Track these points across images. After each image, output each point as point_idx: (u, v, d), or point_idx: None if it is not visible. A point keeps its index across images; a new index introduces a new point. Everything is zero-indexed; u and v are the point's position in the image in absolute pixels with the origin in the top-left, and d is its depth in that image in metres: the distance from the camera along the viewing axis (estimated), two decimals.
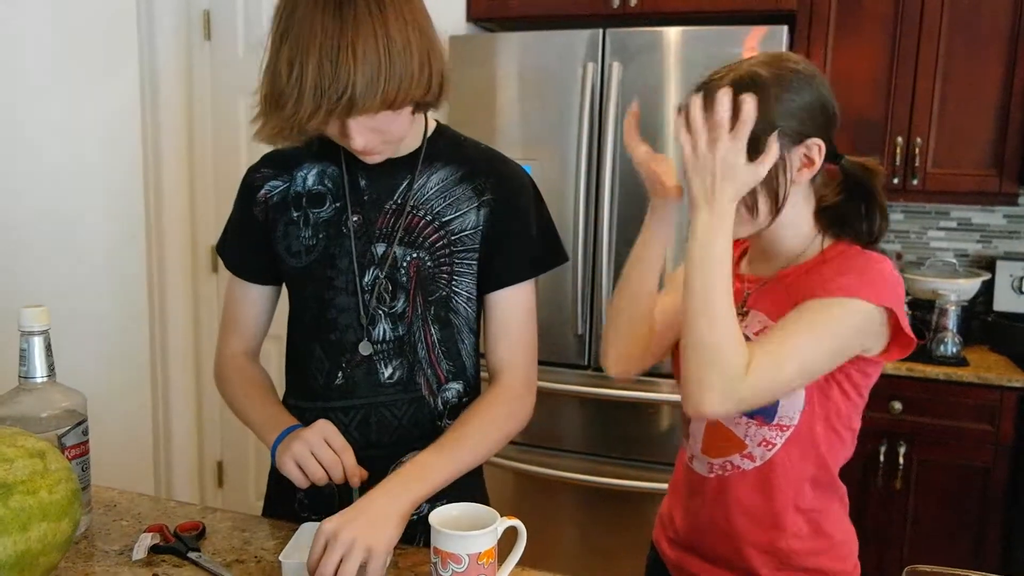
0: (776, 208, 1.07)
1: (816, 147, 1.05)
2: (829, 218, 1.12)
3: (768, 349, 1.00)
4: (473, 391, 1.24)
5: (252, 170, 1.23)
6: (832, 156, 1.08)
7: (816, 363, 1.03)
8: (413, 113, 1.06)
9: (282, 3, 1.00)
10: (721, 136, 0.98)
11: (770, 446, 1.11)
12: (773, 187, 1.05)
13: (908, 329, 1.05)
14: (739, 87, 1.01)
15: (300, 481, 1.06)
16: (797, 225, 1.11)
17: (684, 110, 1.03)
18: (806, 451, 1.11)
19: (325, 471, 1.06)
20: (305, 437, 1.06)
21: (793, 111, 1.03)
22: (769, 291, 1.13)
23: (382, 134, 1.05)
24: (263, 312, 1.27)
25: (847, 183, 1.12)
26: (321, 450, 1.05)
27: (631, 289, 1.20)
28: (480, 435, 1.13)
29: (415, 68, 0.99)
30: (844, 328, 1.02)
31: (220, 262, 1.38)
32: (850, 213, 1.11)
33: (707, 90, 1.04)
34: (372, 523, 0.97)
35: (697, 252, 1.01)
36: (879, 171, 1.12)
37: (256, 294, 1.25)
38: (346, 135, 1.03)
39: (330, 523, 0.96)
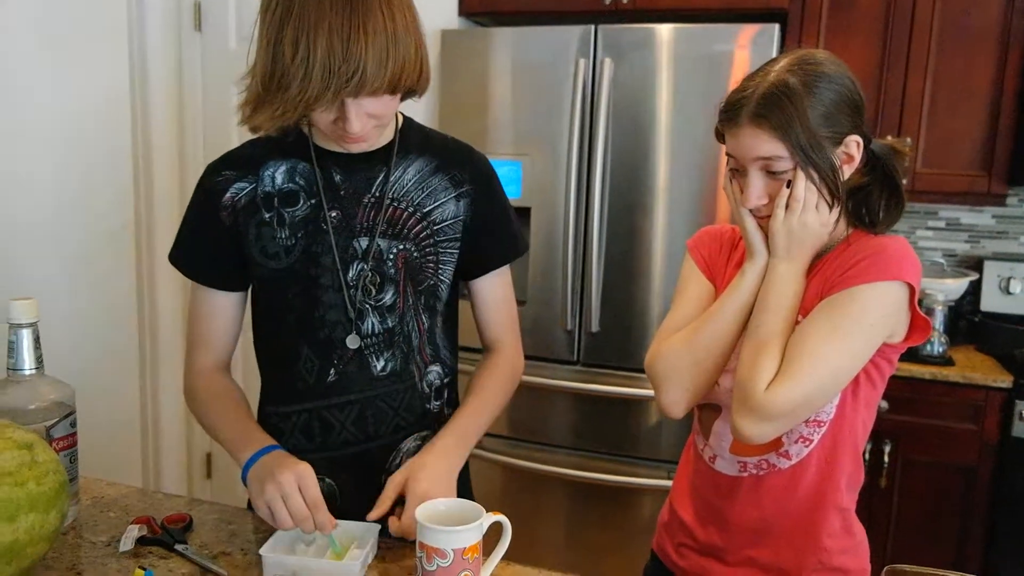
0: (840, 210, 1.09)
1: (854, 143, 1.08)
2: (852, 202, 1.14)
3: (791, 369, 1.03)
4: (450, 371, 1.27)
5: (212, 173, 1.18)
6: (864, 142, 1.10)
7: (847, 367, 1.05)
8: (402, 100, 1.08)
9: None
10: (803, 208, 1.06)
11: (807, 442, 1.11)
12: (830, 195, 1.07)
13: (919, 310, 1.06)
14: (771, 98, 1.03)
15: (272, 524, 1.02)
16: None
17: (732, 180, 1.13)
18: (842, 446, 1.12)
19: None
20: (279, 481, 1.00)
21: (828, 115, 1.04)
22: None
23: (377, 119, 1.05)
24: (233, 322, 1.22)
25: (872, 165, 1.13)
26: (293, 500, 1.00)
27: (730, 334, 1.13)
28: (496, 397, 1.24)
29: (412, 51, 1.01)
30: (869, 322, 1.04)
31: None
32: (871, 196, 1.13)
33: (741, 106, 1.06)
34: (448, 488, 1.08)
35: (772, 298, 1.08)
36: (905, 152, 1.14)
37: (225, 303, 1.20)
38: (344, 118, 1.02)
39: (420, 485, 1.04)
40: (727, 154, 1.11)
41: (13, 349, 1.08)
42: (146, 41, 2.62)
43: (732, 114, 1.07)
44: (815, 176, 1.05)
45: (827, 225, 1.08)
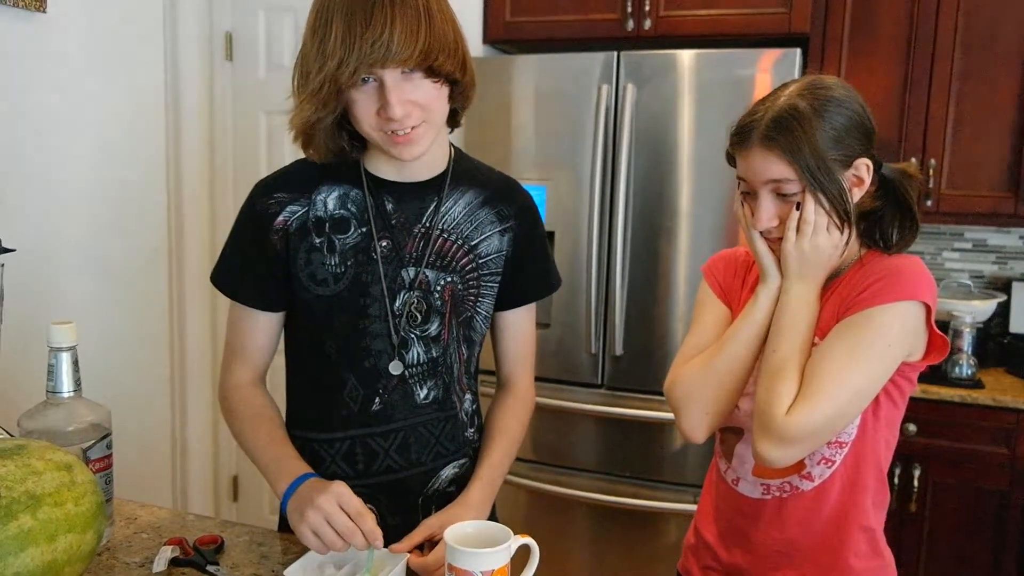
0: (849, 233, 1.09)
1: (864, 166, 1.09)
2: (864, 225, 1.14)
3: (811, 392, 1.03)
4: (476, 397, 1.29)
5: (262, 195, 1.16)
6: (875, 167, 1.11)
7: (867, 388, 1.04)
8: (451, 105, 1.09)
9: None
10: (814, 231, 1.07)
11: (830, 463, 1.11)
12: (839, 217, 1.07)
13: (936, 328, 1.06)
14: (780, 122, 1.05)
15: (321, 550, 1.03)
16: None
17: (743, 203, 1.14)
18: (865, 466, 1.11)
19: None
20: (319, 505, 1.01)
21: (837, 138, 1.05)
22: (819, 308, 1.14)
23: (421, 109, 1.04)
24: (272, 339, 1.22)
25: (884, 190, 1.14)
26: (337, 519, 1.01)
27: (746, 358, 1.14)
28: (519, 441, 1.27)
29: (450, 35, 1.02)
30: (886, 343, 1.04)
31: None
32: (884, 219, 1.13)
33: (751, 130, 1.07)
34: None
35: (787, 321, 1.09)
36: (917, 176, 1.14)
37: (266, 322, 1.20)
38: (384, 100, 1.01)
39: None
40: (738, 178, 1.12)
41: (52, 372, 1.11)
42: (179, 70, 2.69)
43: (742, 137, 1.08)
44: (824, 199, 1.05)
45: (838, 247, 1.08)
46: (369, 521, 1.02)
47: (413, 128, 1.05)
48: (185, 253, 2.76)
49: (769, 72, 2.24)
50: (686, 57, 2.31)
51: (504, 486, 1.29)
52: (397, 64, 0.99)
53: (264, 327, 1.21)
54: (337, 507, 1.01)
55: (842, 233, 1.07)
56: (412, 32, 0.98)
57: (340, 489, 1.03)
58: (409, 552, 1.07)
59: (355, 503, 1.03)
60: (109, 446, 1.15)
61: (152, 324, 2.63)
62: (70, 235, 2.27)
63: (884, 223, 1.13)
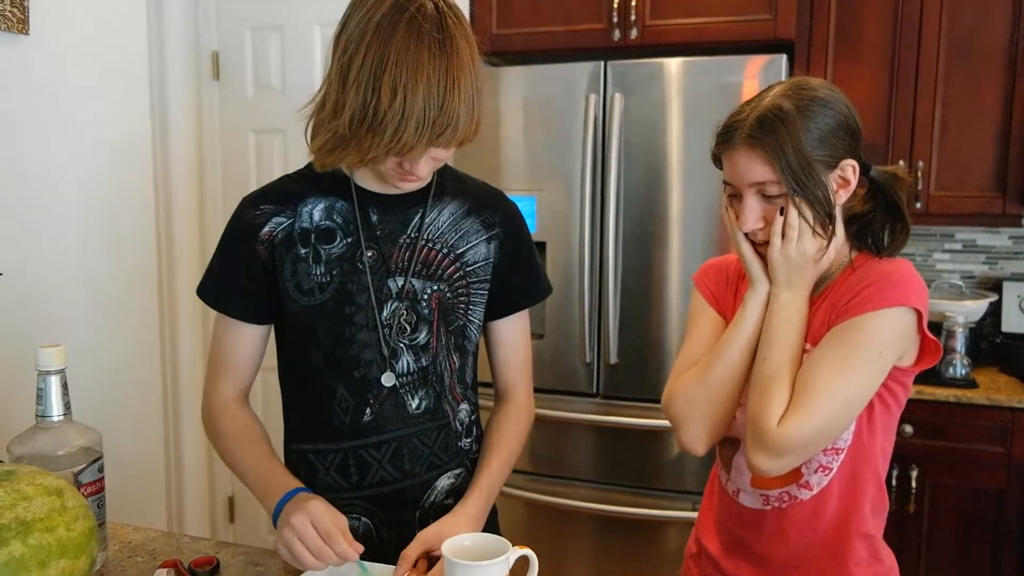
0: (831, 235, 1.08)
1: (850, 167, 1.08)
2: (855, 228, 1.14)
3: (802, 402, 1.02)
4: (475, 407, 1.28)
5: (249, 206, 1.18)
6: (862, 169, 1.10)
7: (859, 396, 1.04)
8: None
9: (370, 26, 0.99)
10: (799, 236, 1.06)
11: (827, 471, 1.10)
12: (822, 222, 1.07)
13: (928, 333, 1.06)
14: (764, 123, 1.04)
15: (298, 567, 1.03)
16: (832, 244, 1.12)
17: (729, 206, 1.13)
18: (862, 471, 1.11)
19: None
20: (293, 523, 1.02)
21: (822, 138, 1.05)
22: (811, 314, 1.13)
23: (440, 162, 1.10)
24: (257, 352, 1.22)
25: (874, 192, 1.14)
26: (308, 537, 1.01)
27: (740, 367, 1.13)
28: (517, 451, 1.26)
29: (483, 101, 1.06)
30: (877, 350, 1.03)
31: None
32: (875, 222, 1.13)
33: (735, 130, 1.07)
34: None
35: (777, 329, 1.08)
36: (906, 180, 1.14)
37: (252, 334, 1.20)
38: (414, 164, 1.05)
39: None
40: (724, 182, 1.12)
41: (41, 396, 1.09)
42: (166, 90, 2.69)
43: (727, 137, 1.08)
44: (806, 202, 1.05)
45: (824, 250, 1.08)
46: (339, 543, 1.01)
47: None
48: (176, 274, 2.75)
49: (756, 79, 2.26)
50: (673, 65, 2.32)
51: (502, 497, 1.28)
52: (455, 145, 1.04)
53: (249, 340, 1.21)
54: (309, 525, 1.02)
55: (825, 236, 1.07)
56: (471, 115, 1.02)
57: (314, 508, 1.04)
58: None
59: (325, 524, 1.02)
60: (101, 469, 1.14)
61: (143, 346, 2.61)
62: (59, 257, 2.26)
63: (875, 226, 1.13)
